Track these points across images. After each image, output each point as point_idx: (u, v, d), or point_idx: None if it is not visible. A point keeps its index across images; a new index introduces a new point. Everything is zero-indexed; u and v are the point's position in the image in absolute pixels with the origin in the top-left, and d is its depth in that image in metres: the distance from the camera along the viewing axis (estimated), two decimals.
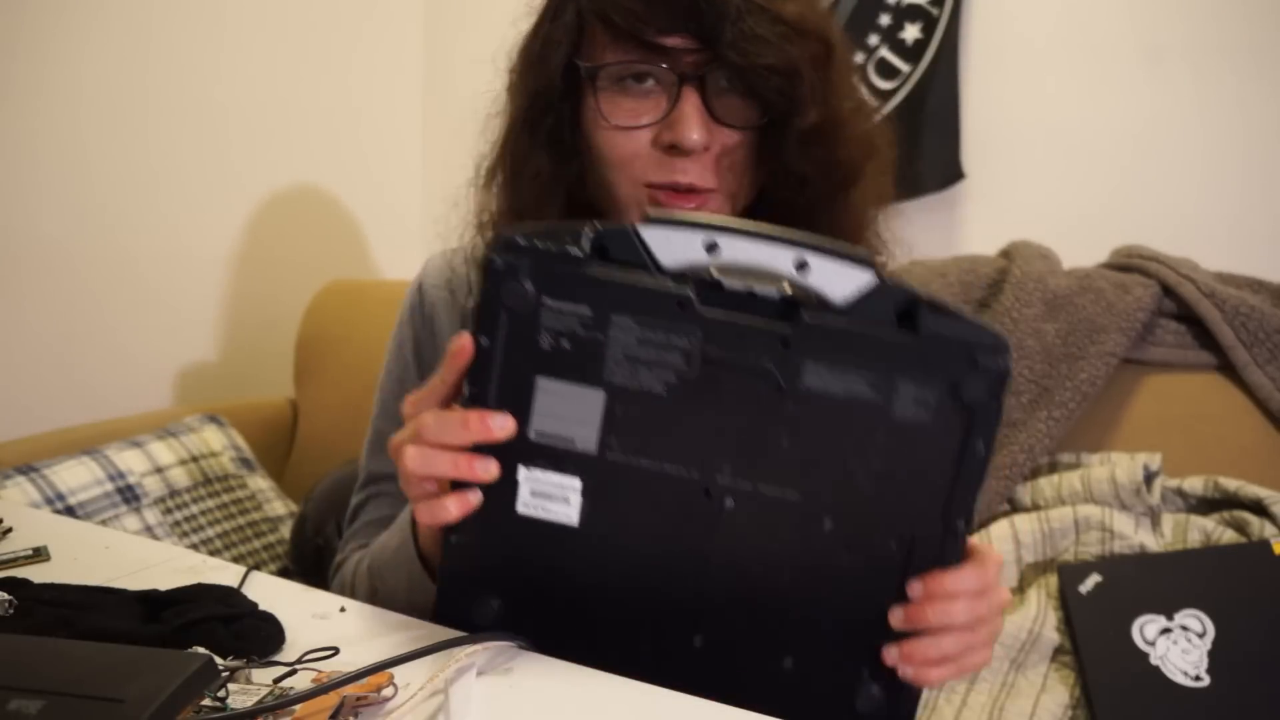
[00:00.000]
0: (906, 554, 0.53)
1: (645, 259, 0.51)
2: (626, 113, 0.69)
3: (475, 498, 0.54)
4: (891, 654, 0.54)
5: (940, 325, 0.50)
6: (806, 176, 0.69)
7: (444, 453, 0.54)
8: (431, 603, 0.63)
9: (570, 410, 0.53)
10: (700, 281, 0.51)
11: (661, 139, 0.69)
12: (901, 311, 0.51)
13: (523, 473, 0.54)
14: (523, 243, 0.51)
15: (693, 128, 0.67)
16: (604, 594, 0.56)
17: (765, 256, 0.51)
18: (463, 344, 0.53)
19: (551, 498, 0.54)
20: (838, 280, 0.50)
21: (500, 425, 0.53)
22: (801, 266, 0.51)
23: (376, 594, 0.73)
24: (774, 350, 0.51)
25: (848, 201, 0.72)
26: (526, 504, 0.54)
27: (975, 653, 0.55)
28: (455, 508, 0.54)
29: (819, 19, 0.69)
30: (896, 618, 0.53)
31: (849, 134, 0.70)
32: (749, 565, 0.54)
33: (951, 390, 0.50)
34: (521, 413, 0.53)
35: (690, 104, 0.67)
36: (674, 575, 0.55)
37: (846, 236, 0.73)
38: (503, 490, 0.54)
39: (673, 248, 0.51)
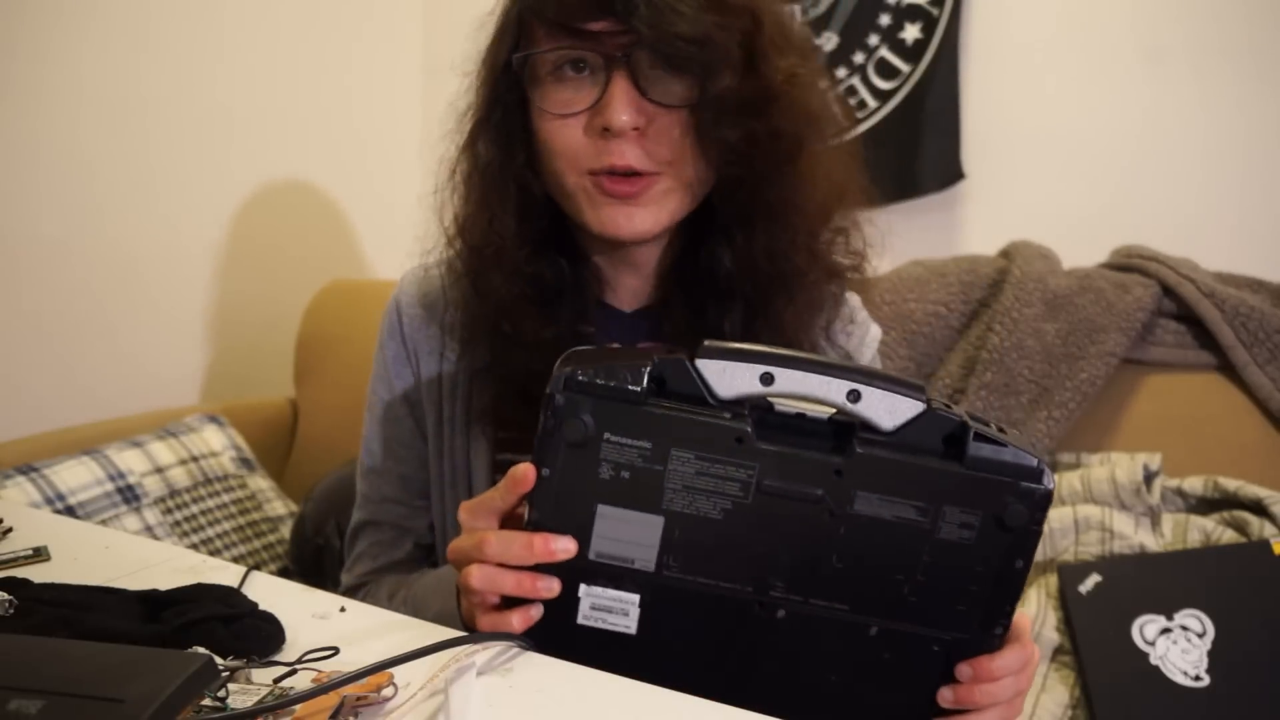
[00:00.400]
0: (946, 655, 0.57)
1: (702, 391, 0.54)
2: (562, 101, 0.71)
3: (537, 612, 0.57)
4: None
5: (985, 453, 0.53)
6: (743, 148, 0.70)
7: (508, 572, 0.56)
8: None
9: (629, 534, 0.56)
10: (755, 406, 0.54)
11: (594, 124, 0.70)
12: (948, 436, 0.53)
13: (583, 589, 0.57)
14: (583, 379, 0.54)
15: (620, 109, 0.68)
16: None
17: (819, 388, 0.53)
18: (525, 474, 0.55)
19: (611, 611, 0.57)
20: (888, 408, 0.53)
21: (563, 548, 0.55)
22: (854, 396, 0.53)
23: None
24: (827, 479, 0.53)
25: (796, 176, 0.72)
26: (586, 617, 0.58)
27: (1012, 718, 0.59)
28: (518, 622, 0.56)
29: None
30: (946, 698, 0.57)
31: (783, 104, 0.71)
32: (798, 666, 0.57)
33: (995, 515, 0.54)
34: (582, 535, 0.56)
35: (619, 86, 0.68)
36: (725, 676, 0.58)
37: (804, 218, 0.74)
38: (564, 603, 0.57)
39: (728, 380, 0.54)
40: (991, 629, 0.56)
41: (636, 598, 0.56)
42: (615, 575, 0.56)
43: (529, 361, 0.74)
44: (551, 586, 0.56)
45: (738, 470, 0.54)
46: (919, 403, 0.53)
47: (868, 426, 0.53)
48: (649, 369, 0.53)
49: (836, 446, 0.54)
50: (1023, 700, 0.60)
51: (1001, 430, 0.55)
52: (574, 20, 0.68)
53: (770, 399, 0.54)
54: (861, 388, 0.53)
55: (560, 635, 0.57)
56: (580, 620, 0.57)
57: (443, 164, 0.79)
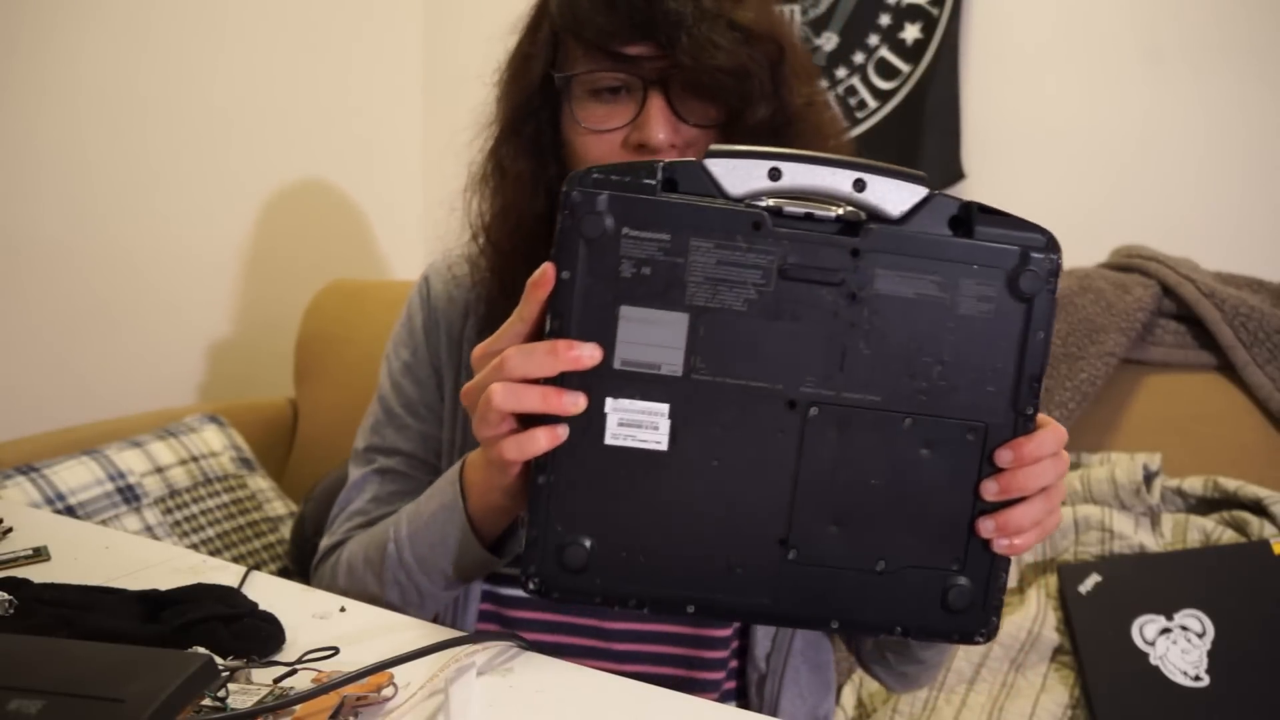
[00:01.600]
0: (982, 443, 0.56)
1: (713, 188, 0.54)
2: (599, 117, 0.74)
3: (564, 431, 0.54)
4: (988, 526, 0.56)
5: (993, 225, 0.55)
6: None
7: (531, 387, 0.54)
8: (470, 569, 0.66)
9: (655, 336, 0.54)
10: (766, 208, 0.54)
11: (631, 140, 0.74)
12: (954, 219, 0.55)
13: (610, 404, 0.55)
14: (598, 176, 0.54)
15: (658, 128, 0.72)
16: (696, 516, 0.57)
17: (825, 179, 0.54)
18: (545, 275, 0.54)
19: (640, 426, 0.55)
20: (894, 194, 0.54)
21: (589, 354, 0.54)
22: (859, 186, 0.54)
23: (386, 572, 0.73)
24: (845, 262, 0.54)
25: None
26: (615, 435, 0.55)
27: (1053, 514, 0.59)
28: (545, 438, 0.54)
29: (771, 23, 0.75)
30: (991, 490, 0.56)
31: (801, 127, 0.75)
32: (836, 472, 0.56)
33: (1009, 285, 0.55)
34: (606, 343, 0.54)
35: (655, 106, 0.72)
36: (764, 490, 0.56)
37: None
38: (590, 424, 0.55)
39: (738, 177, 0.54)
40: (1023, 409, 0.56)
41: (666, 407, 0.55)
42: (643, 384, 0.54)
43: None
44: (579, 401, 0.54)
45: (758, 257, 0.54)
46: (922, 187, 0.54)
47: (875, 216, 0.54)
48: (662, 168, 0.54)
49: (850, 233, 0.54)
50: (1063, 487, 0.60)
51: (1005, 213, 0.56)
52: (613, 44, 0.72)
53: (779, 201, 0.54)
54: (866, 176, 0.54)
55: (589, 462, 0.55)
56: (609, 440, 0.55)
57: (469, 168, 0.83)
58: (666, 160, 0.54)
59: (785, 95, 0.74)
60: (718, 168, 0.54)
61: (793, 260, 0.54)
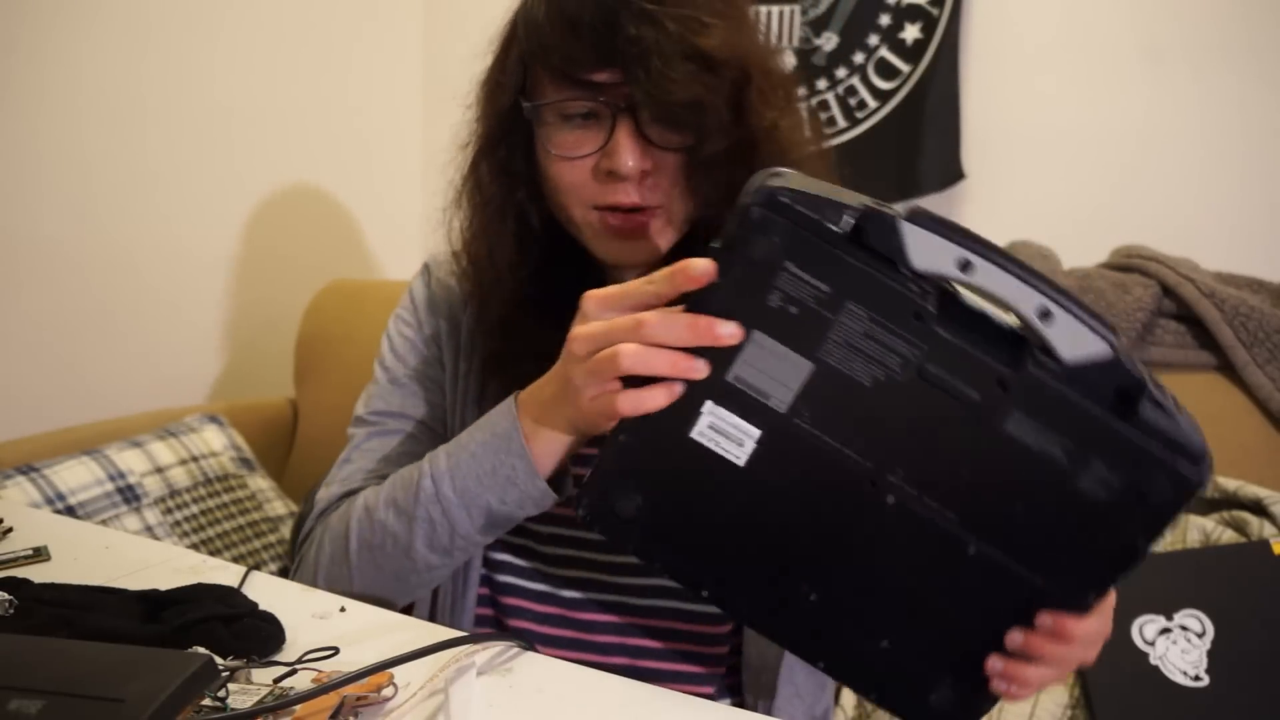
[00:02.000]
0: (1032, 599, 0.55)
1: (897, 252, 0.51)
2: (569, 144, 0.75)
3: (680, 389, 0.56)
4: (996, 668, 0.56)
5: (1156, 419, 0.51)
6: (728, 192, 0.72)
7: (662, 351, 0.55)
8: (518, 504, 0.67)
9: (774, 369, 0.54)
10: (941, 291, 0.52)
11: (601, 166, 0.74)
12: (1121, 389, 0.51)
13: (708, 406, 0.56)
14: (784, 200, 0.52)
15: (626, 156, 0.72)
16: (743, 529, 0.58)
17: (1014, 292, 0.50)
18: (704, 269, 0.54)
19: (727, 436, 0.56)
20: (1074, 339, 0.50)
21: (730, 332, 0.54)
22: (1045, 315, 0.50)
23: (419, 508, 0.71)
24: (989, 387, 0.52)
25: None
26: (701, 433, 0.56)
27: (1058, 680, 0.61)
28: (664, 396, 0.56)
29: (734, 48, 0.73)
30: (1015, 641, 0.56)
31: (766, 150, 0.74)
32: (886, 555, 0.56)
33: (1139, 483, 0.51)
34: (729, 354, 0.55)
35: (624, 133, 0.72)
36: (810, 539, 0.57)
37: None
38: (683, 412, 0.56)
39: (927, 251, 0.51)
40: (1087, 593, 0.54)
41: (758, 433, 0.55)
42: (745, 405, 0.55)
43: (535, 364, 0.76)
44: (701, 368, 0.55)
45: (905, 347, 0.52)
46: (1108, 346, 0.50)
47: (1046, 350, 0.51)
48: (854, 216, 0.51)
49: (1009, 359, 0.51)
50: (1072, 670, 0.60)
51: (1178, 407, 0.52)
52: (579, 71, 0.72)
53: (959, 287, 0.52)
54: (1056, 310, 0.50)
55: (667, 442, 0.56)
56: (693, 434, 0.56)
57: (449, 188, 0.84)
58: (865, 206, 0.52)
59: (750, 121, 0.73)
60: (911, 234, 0.51)
61: (935, 368, 0.52)
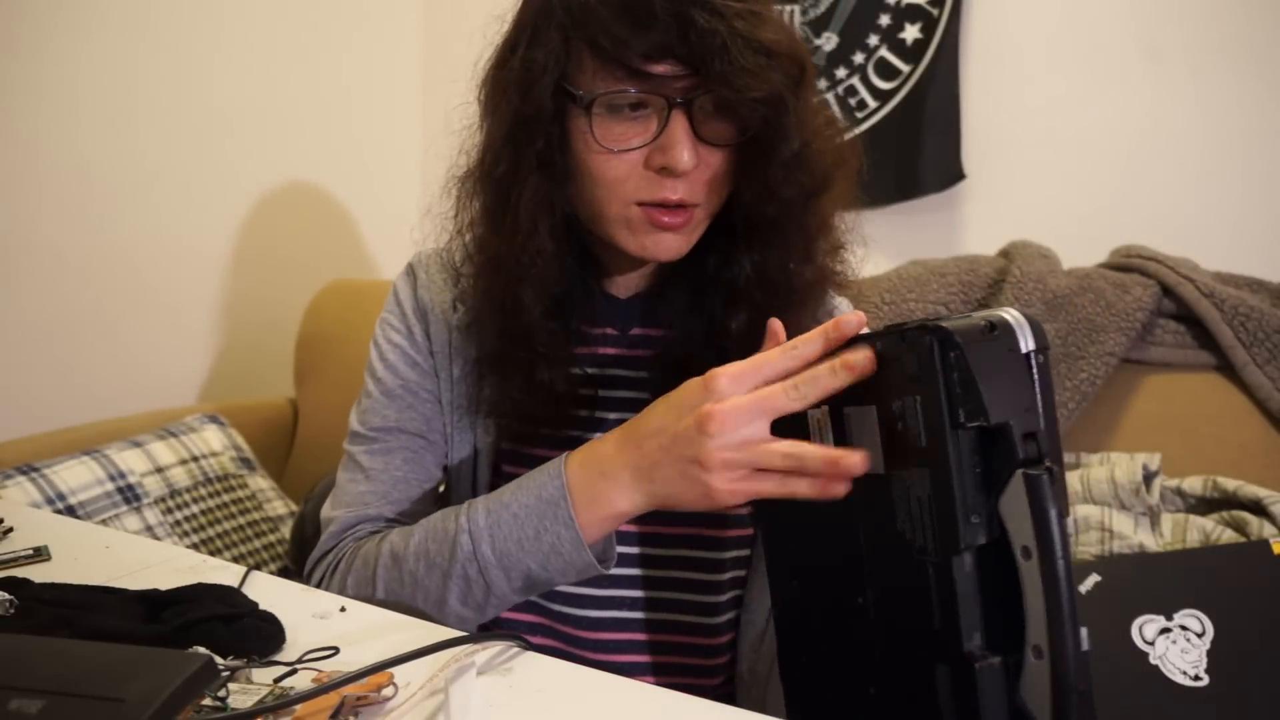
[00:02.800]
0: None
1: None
2: (618, 137, 0.71)
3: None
4: None
5: None
6: (784, 193, 0.73)
7: (807, 480, 0.59)
8: (560, 572, 0.68)
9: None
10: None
11: (653, 161, 0.71)
12: None
13: None
14: (954, 356, 0.54)
15: (683, 151, 0.69)
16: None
17: None
18: (866, 364, 0.57)
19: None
20: None
21: (859, 464, 0.57)
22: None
23: (455, 565, 0.71)
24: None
25: (819, 208, 0.76)
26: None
27: None
28: (842, 487, 0.58)
29: (793, 42, 0.72)
30: None
31: (822, 148, 0.74)
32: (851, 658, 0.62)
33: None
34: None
35: (680, 128, 0.69)
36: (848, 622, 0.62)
37: (808, 237, 0.77)
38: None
39: (1009, 505, 0.53)
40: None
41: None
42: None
43: (538, 366, 0.77)
44: (840, 490, 0.58)
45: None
46: None
47: None
48: (985, 421, 0.53)
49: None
50: None
51: None
52: (634, 60, 0.68)
53: None
54: None
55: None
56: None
57: (458, 175, 0.79)
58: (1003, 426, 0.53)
59: (808, 118, 0.73)
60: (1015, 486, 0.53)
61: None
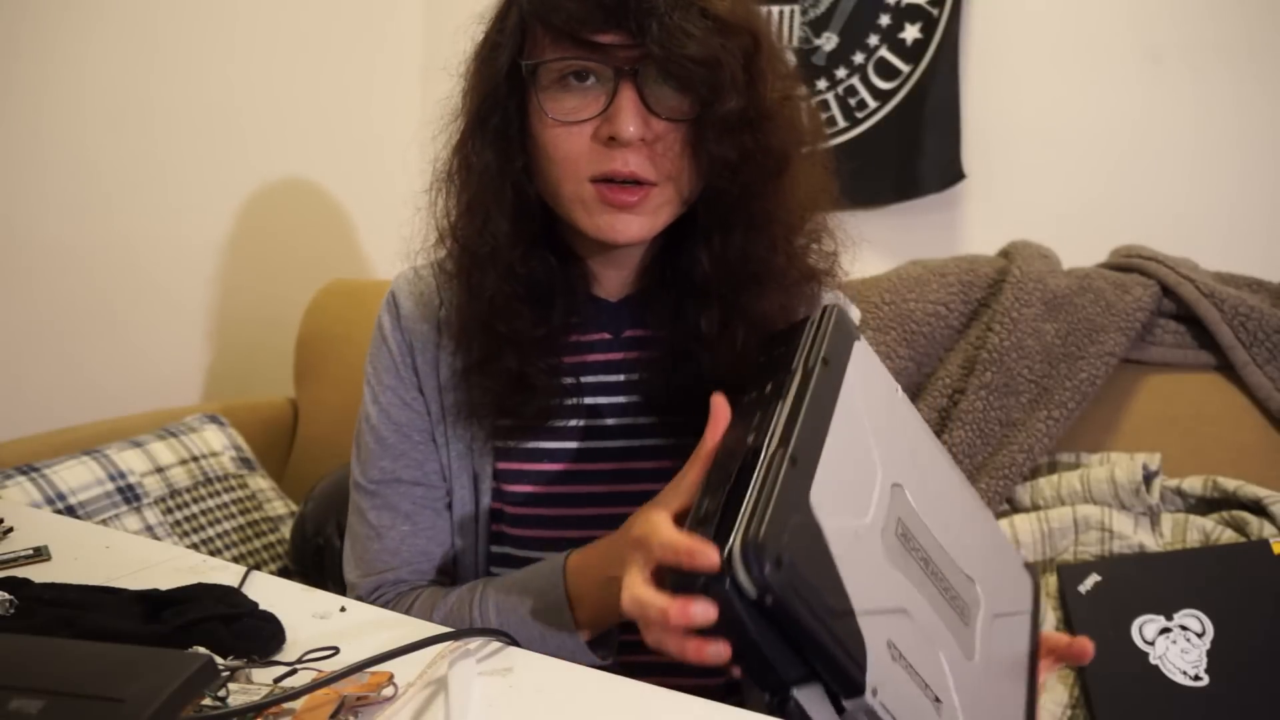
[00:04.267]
0: None
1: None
2: (568, 110, 0.71)
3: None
4: None
5: None
6: (735, 162, 0.72)
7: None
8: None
9: None
10: None
11: (601, 132, 0.71)
12: None
13: None
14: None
15: (629, 120, 0.69)
16: None
17: None
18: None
19: None
20: None
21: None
22: None
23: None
24: None
25: (779, 190, 0.75)
26: None
27: None
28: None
29: (746, 14, 0.72)
30: None
31: (776, 123, 0.73)
32: None
33: None
34: None
35: (626, 97, 0.70)
36: None
37: (782, 226, 0.76)
38: None
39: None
40: None
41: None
42: None
43: (522, 359, 0.76)
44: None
45: None
46: None
47: None
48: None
49: None
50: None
51: None
52: (583, 31, 0.69)
53: None
54: None
55: None
56: None
57: (435, 164, 0.80)
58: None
59: (759, 89, 0.72)
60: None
61: None
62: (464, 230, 0.77)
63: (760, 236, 0.75)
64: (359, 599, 0.83)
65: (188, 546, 1.40)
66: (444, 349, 0.82)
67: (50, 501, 1.28)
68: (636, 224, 0.73)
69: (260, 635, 0.59)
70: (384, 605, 0.80)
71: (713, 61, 0.68)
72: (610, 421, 0.81)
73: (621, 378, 0.82)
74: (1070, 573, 1.16)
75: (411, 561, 0.84)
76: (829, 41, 1.76)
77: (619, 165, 0.71)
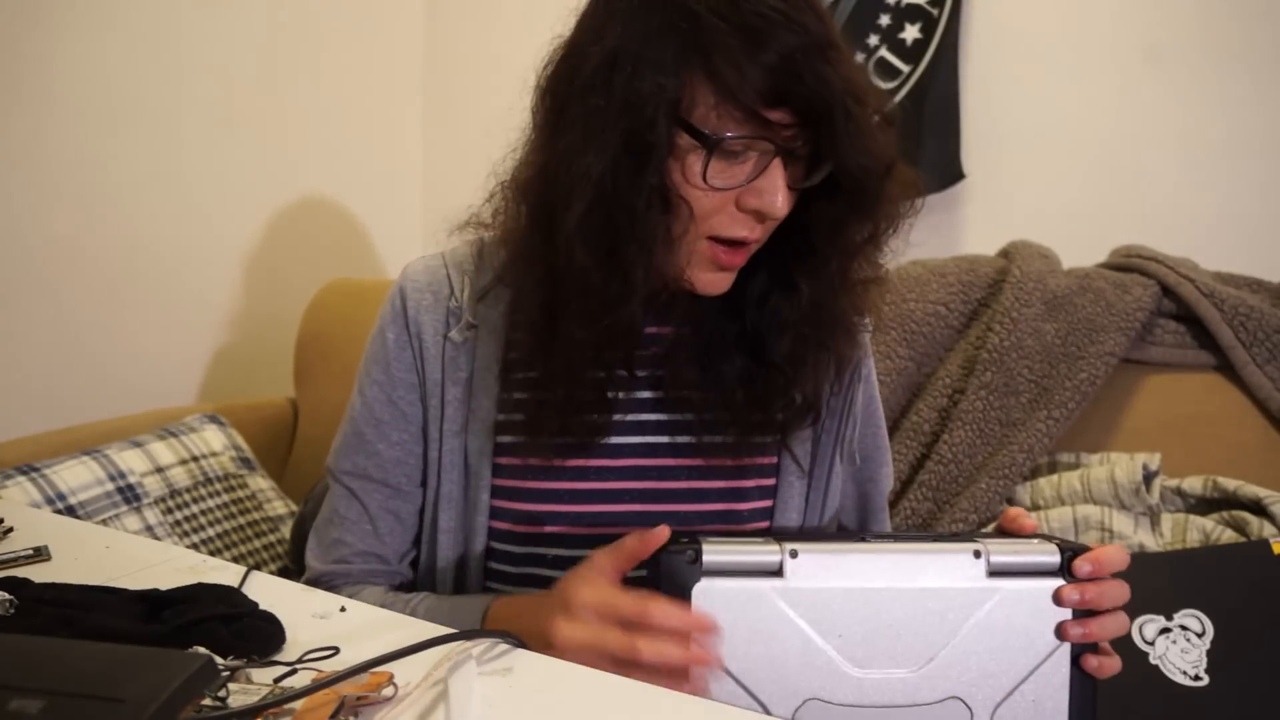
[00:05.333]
0: None
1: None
2: (721, 175, 0.70)
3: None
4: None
5: None
6: (855, 242, 0.76)
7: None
8: None
9: None
10: None
11: (745, 202, 0.71)
12: None
13: None
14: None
15: (783, 202, 0.70)
16: None
17: None
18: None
19: None
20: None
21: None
22: None
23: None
24: None
25: (874, 246, 0.78)
26: None
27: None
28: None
29: (881, 93, 0.74)
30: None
31: (888, 198, 0.74)
32: None
33: None
34: None
35: (779, 175, 0.69)
36: None
37: (854, 268, 0.78)
38: None
39: None
40: None
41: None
42: None
43: (567, 368, 0.77)
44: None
45: None
46: None
47: None
48: None
49: None
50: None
51: None
52: (756, 103, 0.67)
53: None
54: None
55: None
56: None
57: (514, 179, 0.77)
58: None
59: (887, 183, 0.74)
60: None
61: None
62: (576, 246, 0.71)
63: (844, 282, 0.78)
64: (309, 582, 0.85)
65: (188, 546, 1.40)
66: (450, 339, 0.82)
67: (50, 501, 1.28)
68: (727, 281, 0.75)
69: (260, 635, 0.59)
70: (329, 590, 0.80)
71: (889, 169, 0.70)
72: (616, 418, 0.81)
73: (638, 373, 0.80)
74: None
75: (365, 556, 0.86)
76: None
77: (746, 233, 0.72)
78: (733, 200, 0.71)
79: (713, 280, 0.74)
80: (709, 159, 0.69)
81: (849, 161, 0.69)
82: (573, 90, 0.71)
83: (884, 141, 0.70)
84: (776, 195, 0.69)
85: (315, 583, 0.85)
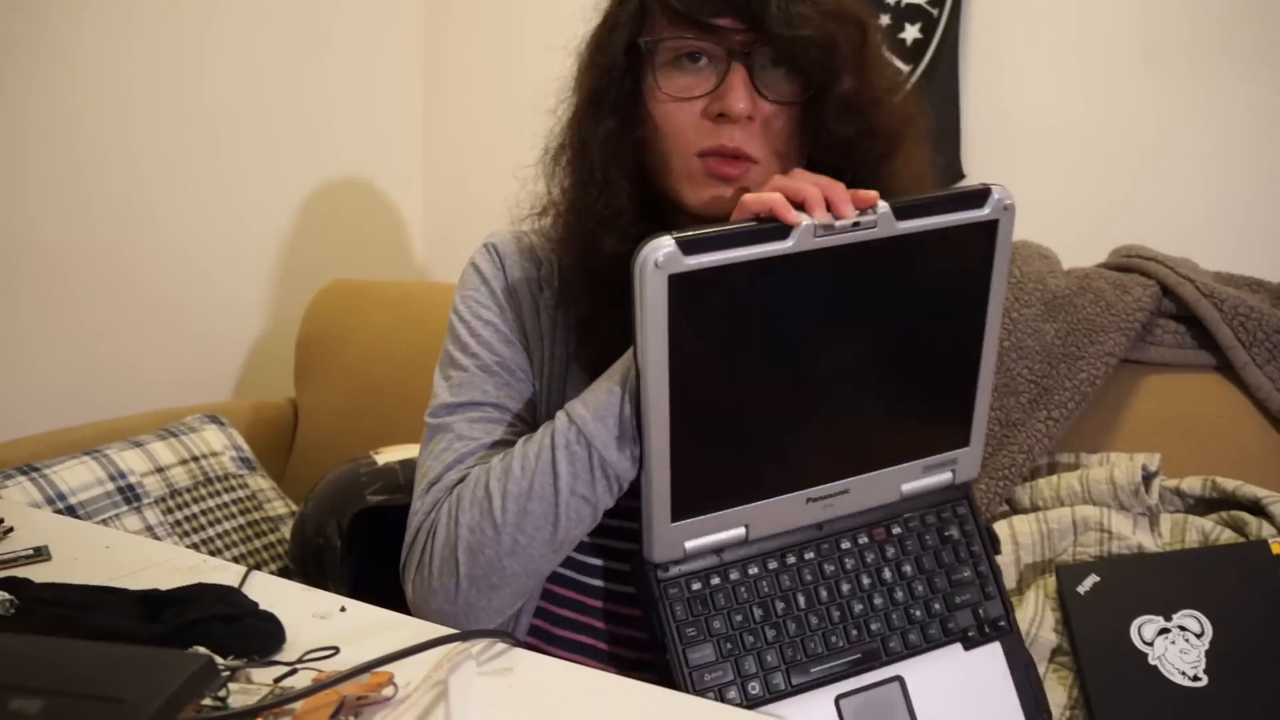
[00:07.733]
0: None
1: None
2: (681, 86, 0.77)
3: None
4: None
5: None
6: (848, 142, 0.77)
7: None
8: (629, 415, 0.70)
9: None
10: None
11: (711, 109, 0.76)
12: None
13: None
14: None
15: (739, 98, 0.74)
16: None
17: None
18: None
19: None
20: None
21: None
22: None
23: (559, 450, 0.73)
24: None
25: (891, 171, 0.79)
26: None
27: None
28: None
29: (854, 5, 0.77)
30: None
31: (886, 105, 0.78)
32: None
33: None
34: None
35: (738, 77, 0.75)
36: None
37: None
38: None
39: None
40: None
41: None
42: None
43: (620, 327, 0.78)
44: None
45: None
46: None
47: None
48: None
49: None
50: None
51: None
52: (700, 14, 0.74)
53: None
54: None
55: None
56: None
57: (548, 139, 0.85)
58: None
59: (871, 72, 0.77)
60: None
61: None
62: (582, 196, 0.81)
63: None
64: (440, 489, 0.79)
65: (188, 546, 1.40)
66: (544, 304, 0.86)
67: (50, 501, 1.28)
68: (731, 195, 0.77)
69: (260, 635, 0.59)
70: (454, 490, 0.78)
71: (829, 44, 0.74)
72: None
73: None
74: (1069, 573, 1.16)
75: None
76: None
77: (725, 140, 0.76)
78: (702, 111, 0.76)
79: (712, 195, 0.77)
80: (656, 70, 0.77)
81: (787, 35, 0.72)
82: (579, 54, 0.83)
83: (825, 25, 0.73)
84: (732, 94, 0.74)
85: (445, 491, 0.79)
